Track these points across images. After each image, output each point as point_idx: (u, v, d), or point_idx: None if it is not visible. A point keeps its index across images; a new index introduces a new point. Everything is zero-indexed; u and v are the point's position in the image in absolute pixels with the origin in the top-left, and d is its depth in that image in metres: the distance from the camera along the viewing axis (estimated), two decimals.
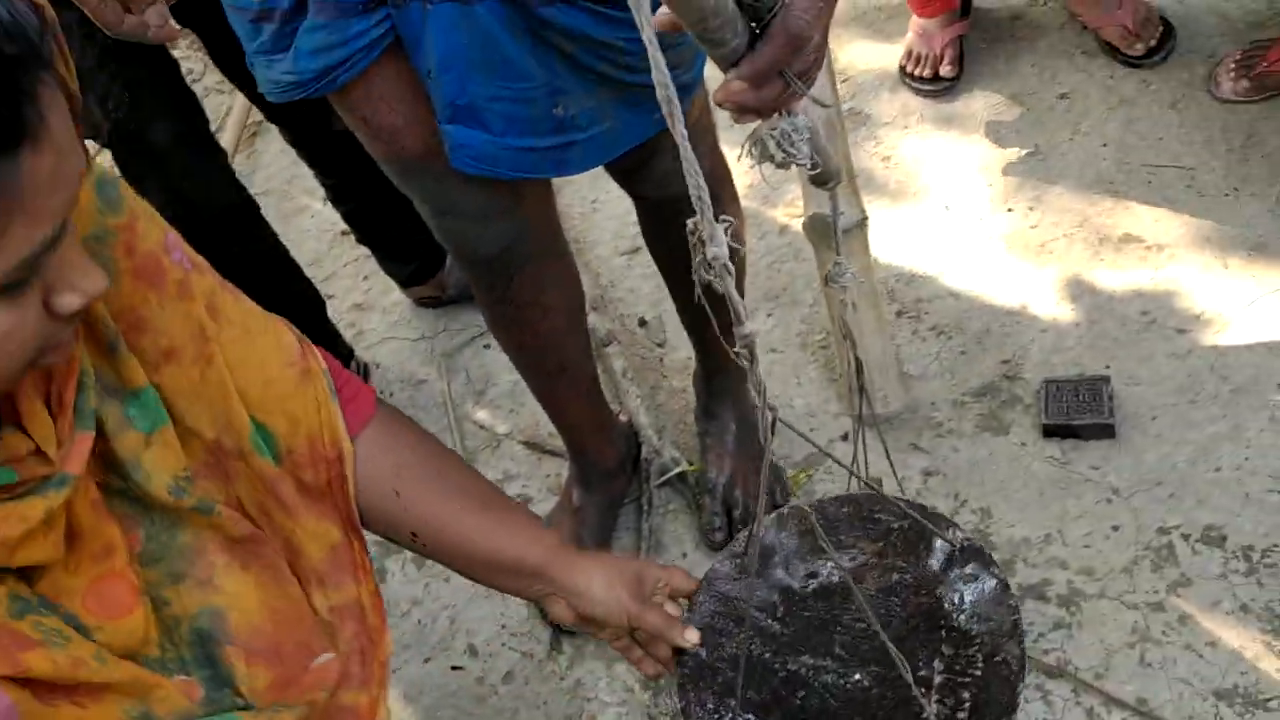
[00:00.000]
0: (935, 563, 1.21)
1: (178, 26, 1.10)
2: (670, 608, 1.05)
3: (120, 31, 1.10)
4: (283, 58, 1.07)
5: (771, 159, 0.81)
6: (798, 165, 0.81)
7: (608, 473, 1.70)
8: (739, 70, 0.72)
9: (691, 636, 1.04)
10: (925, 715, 1.08)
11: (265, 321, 0.91)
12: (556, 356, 1.49)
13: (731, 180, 1.51)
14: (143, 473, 0.80)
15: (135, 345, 0.81)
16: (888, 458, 1.49)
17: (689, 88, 1.22)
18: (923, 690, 1.11)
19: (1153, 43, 2.06)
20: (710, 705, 1.14)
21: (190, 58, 2.84)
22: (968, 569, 1.20)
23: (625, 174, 1.40)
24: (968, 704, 1.13)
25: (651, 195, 1.42)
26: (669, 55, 1.11)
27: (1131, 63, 2.08)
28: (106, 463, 0.80)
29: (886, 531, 1.24)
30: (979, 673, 1.15)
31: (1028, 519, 1.58)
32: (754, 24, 0.72)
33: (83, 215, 0.76)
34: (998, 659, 1.15)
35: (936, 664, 1.18)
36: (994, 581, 1.18)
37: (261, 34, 1.06)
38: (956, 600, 1.19)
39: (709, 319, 0.86)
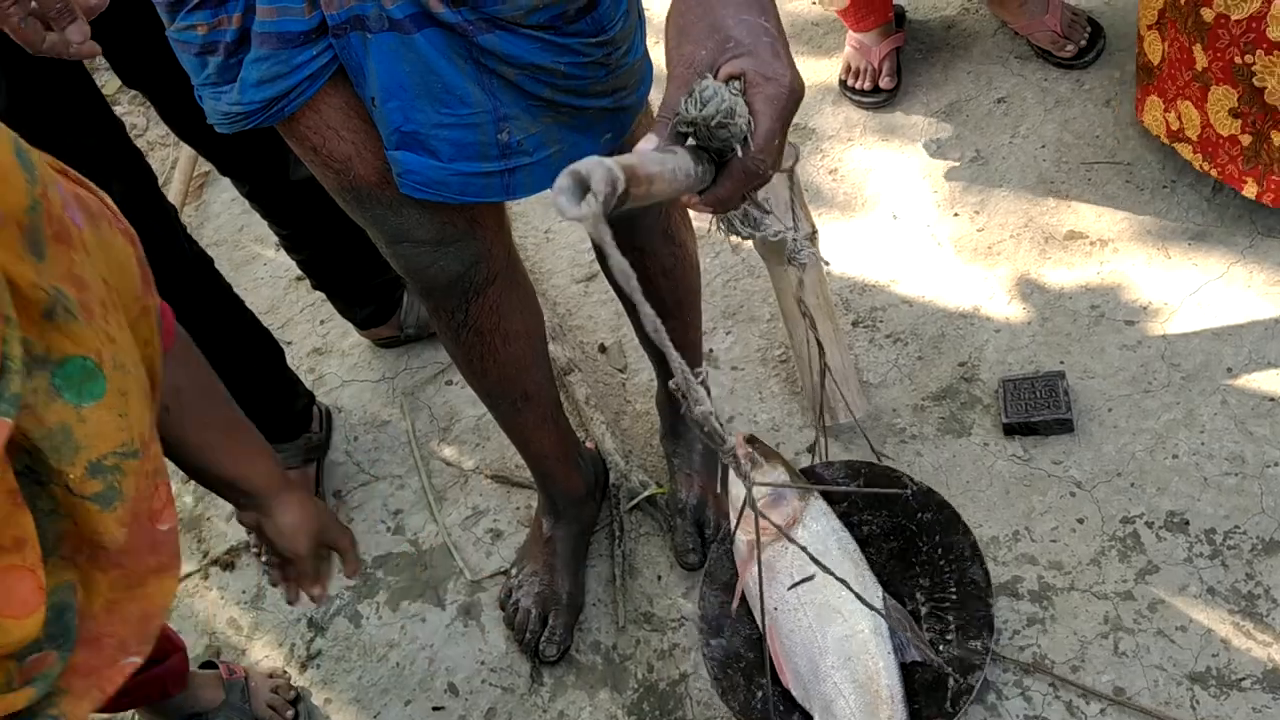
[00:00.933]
0: (896, 510, 1.44)
1: (96, 45, 1.12)
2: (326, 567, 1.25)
3: (42, 50, 1.12)
4: (229, 89, 1.07)
5: (739, 234, 0.91)
6: (766, 236, 0.90)
7: (577, 500, 1.69)
8: (703, 199, 0.80)
9: (316, 591, 1.24)
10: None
11: (122, 250, 0.90)
12: (519, 384, 1.49)
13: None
14: (72, 445, 0.77)
15: (84, 306, 0.79)
16: (873, 450, 1.52)
17: (633, 109, 1.22)
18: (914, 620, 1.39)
19: (1083, 43, 2.11)
20: (741, 684, 1.39)
21: (133, 113, 2.83)
22: (925, 509, 1.43)
23: None
24: (953, 625, 1.37)
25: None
26: (612, 79, 1.12)
27: (1064, 64, 2.13)
28: (19, 445, 0.76)
29: (845, 495, 1.47)
30: (955, 596, 1.38)
31: (995, 518, 1.60)
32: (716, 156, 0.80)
33: (16, 190, 0.75)
34: (967, 581, 1.38)
35: (919, 596, 1.41)
36: (948, 511, 1.41)
37: (207, 66, 1.06)
38: (920, 538, 1.41)
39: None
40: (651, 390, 1.88)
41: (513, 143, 1.12)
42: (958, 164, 2.06)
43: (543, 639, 1.64)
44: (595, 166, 0.66)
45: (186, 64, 1.09)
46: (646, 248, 1.48)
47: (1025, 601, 1.52)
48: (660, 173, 0.75)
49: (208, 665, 1.69)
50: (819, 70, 2.31)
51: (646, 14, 1.28)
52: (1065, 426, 1.64)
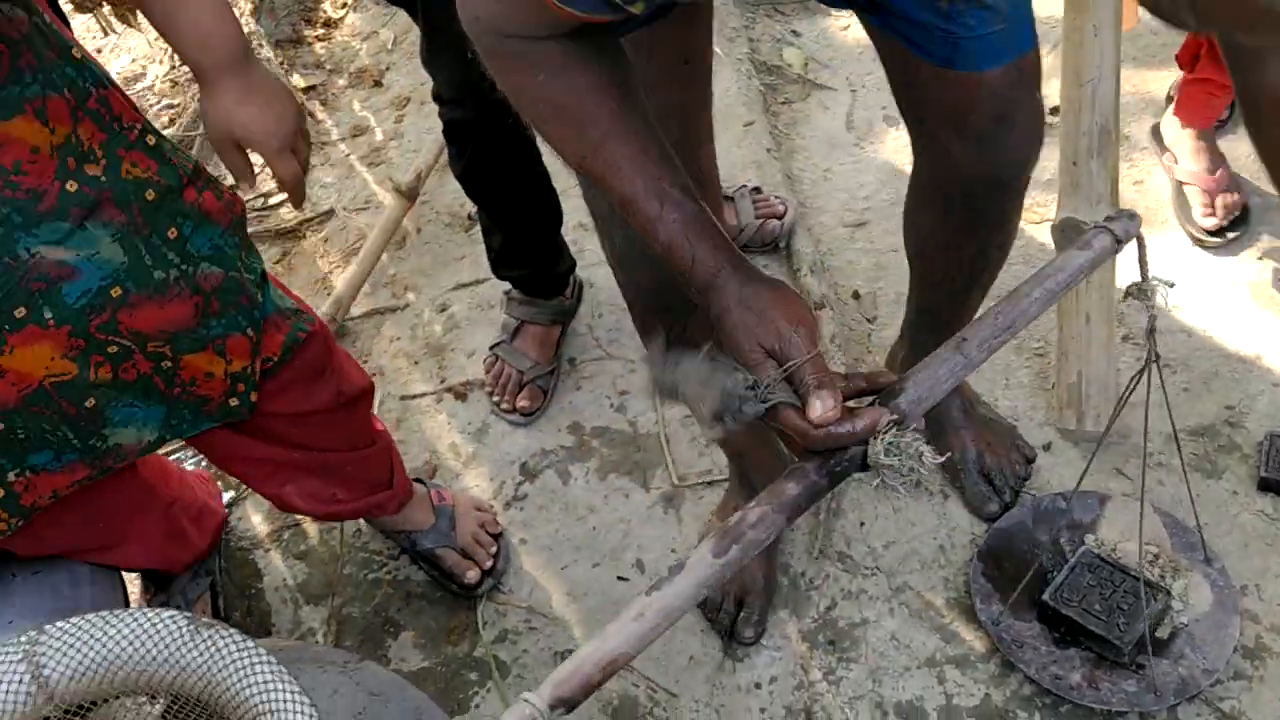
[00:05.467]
0: None
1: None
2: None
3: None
4: None
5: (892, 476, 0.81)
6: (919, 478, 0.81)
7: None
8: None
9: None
10: None
11: None
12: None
13: None
14: None
15: None
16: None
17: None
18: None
19: None
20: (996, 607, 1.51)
21: None
22: None
23: (936, 128, 1.21)
24: None
25: (965, 179, 1.24)
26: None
27: None
28: None
29: None
30: None
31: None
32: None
33: None
34: None
35: None
36: None
37: None
38: None
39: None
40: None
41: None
42: None
43: (739, 620, 1.60)
44: None
45: None
46: (1003, 210, 1.35)
47: (1237, 655, 1.47)
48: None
49: (417, 482, 1.77)
50: (1148, 79, 2.22)
51: None
52: None
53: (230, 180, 1.27)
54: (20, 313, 1.09)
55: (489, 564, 1.74)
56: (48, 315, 1.11)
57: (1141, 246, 1.13)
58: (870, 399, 0.88)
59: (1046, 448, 1.74)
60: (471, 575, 1.72)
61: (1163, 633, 1.46)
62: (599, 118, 0.87)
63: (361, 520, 1.84)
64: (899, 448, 0.80)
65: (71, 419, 1.20)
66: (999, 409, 1.80)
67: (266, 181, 2.52)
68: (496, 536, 1.78)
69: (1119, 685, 1.43)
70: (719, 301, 0.86)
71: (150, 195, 1.17)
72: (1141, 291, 1.18)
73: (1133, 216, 1.06)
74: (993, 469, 1.65)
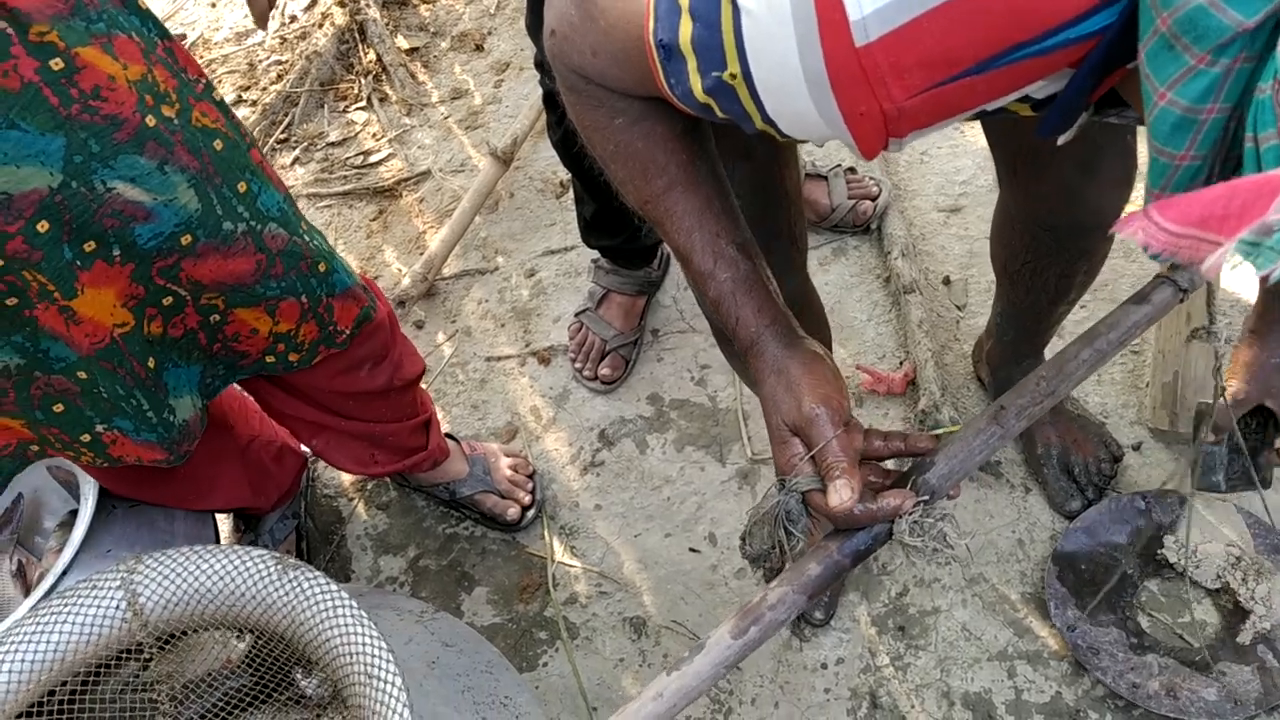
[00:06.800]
0: None
1: None
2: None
3: None
4: None
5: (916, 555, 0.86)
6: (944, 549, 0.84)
7: None
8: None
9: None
10: None
11: None
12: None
13: None
14: None
15: None
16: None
17: None
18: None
19: None
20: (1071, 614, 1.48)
21: None
22: None
23: (1015, 175, 1.24)
24: None
25: (1048, 218, 1.25)
26: None
27: None
28: None
29: None
30: None
31: None
32: None
33: None
34: None
35: None
36: None
37: None
38: None
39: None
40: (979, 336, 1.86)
41: None
42: None
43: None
44: None
45: None
46: (1087, 249, 1.34)
47: None
48: None
49: (448, 438, 1.81)
50: None
51: None
52: None
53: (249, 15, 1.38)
54: (90, 246, 1.10)
55: (528, 499, 1.81)
56: (116, 253, 1.12)
57: (1211, 292, 1.09)
58: (903, 446, 0.89)
59: (1136, 447, 1.70)
60: (513, 513, 1.80)
61: (1244, 638, 1.43)
62: (668, 166, 0.88)
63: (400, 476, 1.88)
64: (923, 528, 0.81)
65: (143, 382, 1.24)
66: (1088, 405, 1.76)
67: (367, 140, 2.58)
68: (531, 475, 1.85)
69: (1198, 694, 1.40)
70: (757, 366, 0.88)
71: (218, 145, 1.20)
72: (1211, 335, 1.13)
73: None
74: (1076, 465, 1.62)
